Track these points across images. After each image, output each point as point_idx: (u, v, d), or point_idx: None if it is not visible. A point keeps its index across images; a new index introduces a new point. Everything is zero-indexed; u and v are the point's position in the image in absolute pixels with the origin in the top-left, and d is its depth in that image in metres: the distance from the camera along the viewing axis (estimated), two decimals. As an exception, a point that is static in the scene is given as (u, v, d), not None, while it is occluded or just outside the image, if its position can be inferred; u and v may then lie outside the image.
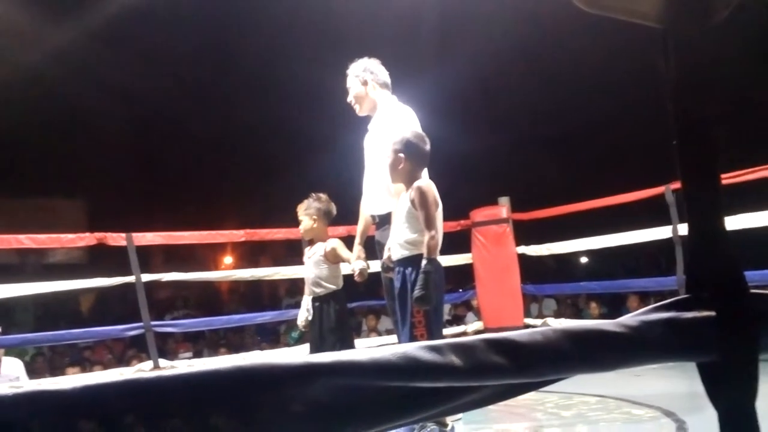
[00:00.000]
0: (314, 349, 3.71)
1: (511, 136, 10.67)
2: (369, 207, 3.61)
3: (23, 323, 10.17)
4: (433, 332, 3.05)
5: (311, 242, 3.86)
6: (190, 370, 0.71)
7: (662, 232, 5.33)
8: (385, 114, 3.55)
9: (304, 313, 3.79)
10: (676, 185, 5.15)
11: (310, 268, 3.74)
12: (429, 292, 2.94)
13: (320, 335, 3.64)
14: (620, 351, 0.85)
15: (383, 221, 3.48)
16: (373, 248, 3.60)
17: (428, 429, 3.12)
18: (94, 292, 10.71)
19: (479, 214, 6.25)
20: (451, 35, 8.08)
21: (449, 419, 3.17)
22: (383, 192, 3.45)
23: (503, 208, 6.21)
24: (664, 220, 5.34)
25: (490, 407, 3.89)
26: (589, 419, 3.46)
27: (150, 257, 8.95)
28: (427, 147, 3.21)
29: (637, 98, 9.33)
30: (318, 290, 3.68)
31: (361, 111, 3.68)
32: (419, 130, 3.45)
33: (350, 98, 3.68)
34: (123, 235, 4.75)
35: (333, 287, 3.69)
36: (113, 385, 0.68)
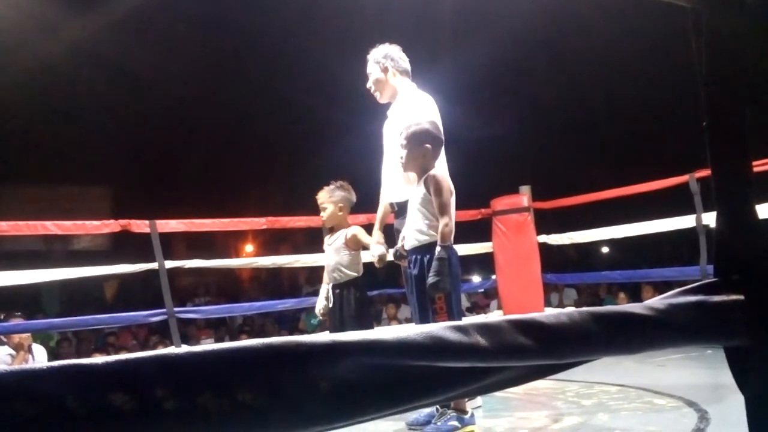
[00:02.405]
0: None
1: (532, 124, 10.59)
2: (388, 194, 3.60)
3: (49, 309, 10.37)
4: (455, 318, 3.06)
5: (332, 230, 3.86)
6: (219, 346, 0.72)
7: (686, 221, 5.26)
8: (405, 101, 3.53)
9: (322, 301, 3.80)
10: (701, 174, 5.10)
11: (330, 255, 3.74)
12: (443, 278, 2.95)
13: (341, 322, 3.65)
14: (647, 334, 0.85)
15: (402, 209, 3.47)
16: (392, 236, 3.60)
17: (448, 416, 3.13)
18: (118, 278, 10.87)
19: (500, 203, 6.21)
20: (475, 21, 8.02)
21: (469, 406, 3.17)
22: (402, 180, 3.45)
23: (524, 197, 6.17)
24: (686, 209, 5.27)
25: (510, 395, 3.89)
26: (609, 408, 3.43)
27: (172, 244, 9.06)
28: (441, 136, 3.22)
29: (661, 86, 9.22)
30: (339, 277, 3.69)
31: (381, 98, 3.66)
32: (437, 118, 3.45)
33: (370, 84, 3.66)
34: (147, 222, 4.79)
35: (354, 274, 3.69)
36: (144, 359, 0.69)
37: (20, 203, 11.31)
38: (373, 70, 3.63)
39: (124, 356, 0.69)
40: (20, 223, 4.73)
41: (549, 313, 0.83)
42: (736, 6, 0.98)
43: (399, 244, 3.28)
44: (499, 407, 3.61)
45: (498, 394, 3.67)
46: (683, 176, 5.26)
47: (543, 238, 6.17)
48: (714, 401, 3.23)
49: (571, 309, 0.85)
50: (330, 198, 3.76)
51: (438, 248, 2.97)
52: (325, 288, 3.82)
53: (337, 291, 3.69)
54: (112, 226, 4.81)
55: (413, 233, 3.14)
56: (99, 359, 0.68)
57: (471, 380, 0.81)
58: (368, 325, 3.81)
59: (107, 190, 12.43)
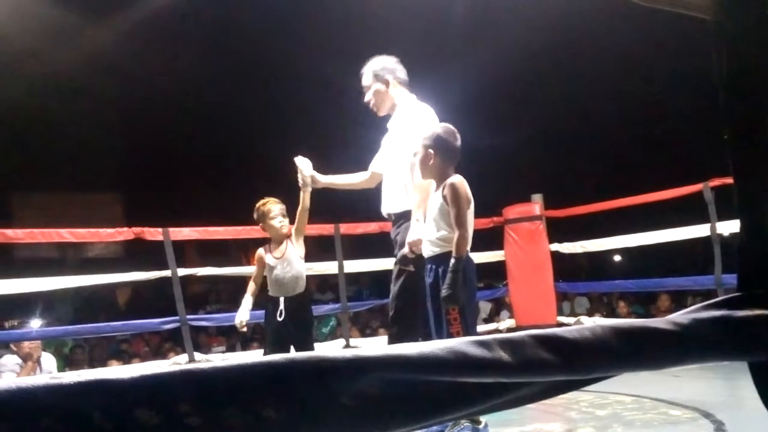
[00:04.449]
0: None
1: (545, 132, 10.56)
2: (385, 205, 3.57)
3: (63, 315, 10.43)
4: (469, 329, 3.04)
5: (277, 242, 3.76)
6: (242, 361, 0.72)
7: (700, 230, 5.22)
8: (405, 112, 3.48)
9: (246, 314, 3.74)
10: (715, 182, 5.07)
11: (286, 266, 3.67)
12: (456, 291, 2.91)
13: (299, 335, 3.66)
14: (670, 349, 0.84)
15: (398, 219, 3.46)
16: (389, 245, 3.61)
17: (461, 426, 3.11)
18: (130, 285, 10.92)
19: (512, 211, 6.20)
20: (484, 29, 8.02)
21: (483, 416, 3.15)
22: (399, 190, 3.43)
23: (536, 205, 6.15)
24: (699, 218, 5.24)
25: (525, 406, 3.87)
26: (624, 419, 3.40)
27: (185, 252, 9.10)
28: (458, 143, 3.17)
29: (675, 95, 9.17)
30: (298, 287, 3.69)
31: (380, 111, 3.60)
32: (448, 126, 3.44)
33: (368, 98, 3.59)
34: (160, 230, 4.82)
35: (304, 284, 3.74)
36: (169, 374, 0.69)
37: (34, 211, 11.42)
38: (371, 83, 3.56)
39: (149, 371, 0.70)
40: (35, 230, 4.78)
41: (571, 328, 0.82)
42: (756, 17, 0.98)
43: (406, 249, 3.25)
44: (514, 417, 3.58)
45: (511, 404, 3.64)
46: (697, 185, 5.22)
47: (555, 247, 6.14)
48: (731, 413, 3.20)
49: (593, 323, 0.84)
50: (281, 207, 3.74)
51: (452, 260, 2.93)
52: (250, 299, 3.75)
53: (292, 304, 3.65)
54: (125, 233, 4.84)
55: (429, 243, 3.13)
56: (125, 373, 0.68)
57: (493, 395, 0.81)
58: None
59: (120, 198, 12.53)
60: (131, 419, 0.65)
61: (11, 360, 5.13)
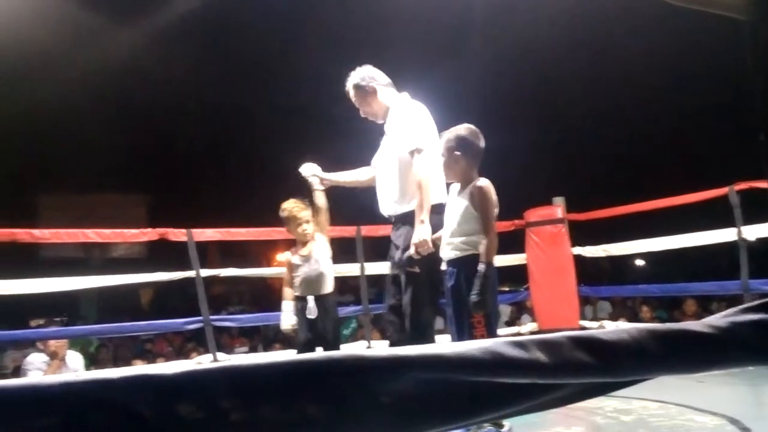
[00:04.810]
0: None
1: (567, 134, 10.49)
2: (384, 207, 3.60)
3: (88, 315, 10.58)
4: (492, 334, 3.03)
5: (303, 243, 3.83)
6: (283, 359, 0.73)
7: (726, 235, 5.15)
8: (397, 113, 3.50)
9: (292, 317, 3.77)
10: (741, 186, 5.00)
11: (311, 266, 3.75)
12: (486, 297, 2.90)
13: (326, 334, 3.70)
14: (708, 353, 0.84)
15: (397, 221, 3.48)
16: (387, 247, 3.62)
17: (485, 429, 3.09)
18: (154, 286, 11.04)
19: (534, 214, 6.17)
20: (508, 30, 7.98)
21: (506, 420, 3.14)
22: (397, 193, 3.45)
23: (558, 209, 6.12)
24: (722, 222, 5.18)
25: (548, 410, 3.84)
26: (650, 425, 3.37)
27: (207, 253, 9.17)
28: (482, 143, 3.16)
29: (701, 97, 9.07)
30: (325, 287, 3.77)
31: (378, 119, 3.63)
32: (429, 125, 3.44)
33: (363, 112, 3.65)
34: (184, 231, 4.87)
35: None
36: (211, 371, 0.70)
37: (59, 211, 11.59)
38: (359, 96, 3.60)
39: (191, 367, 0.71)
40: (61, 231, 4.86)
41: (608, 330, 0.82)
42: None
43: (407, 253, 3.24)
44: (537, 421, 3.56)
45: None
46: (723, 188, 5.16)
47: (578, 250, 6.09)
48: (758, 419, 3.16)
49: (630, 326, 0.84)
50: (307, 213, 3.76)
51: (481, 265, 2.90)
52: (289, 304, 3.78)
53: (322, 302, 3.70)
54: (150, 234, 4.90)
55: (451, 245, 3.11)
56: (168, 369, 0.69)
57: (529, 397, 0.81)
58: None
59: (143, 199, 12.67)
60: (175, 414, 0.66)
61: (38, 358, 5.21)
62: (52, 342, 5.18)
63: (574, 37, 8.26)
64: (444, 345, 0.79)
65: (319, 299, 3.70)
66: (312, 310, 3.67)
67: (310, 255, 3.75)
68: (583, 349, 0.78)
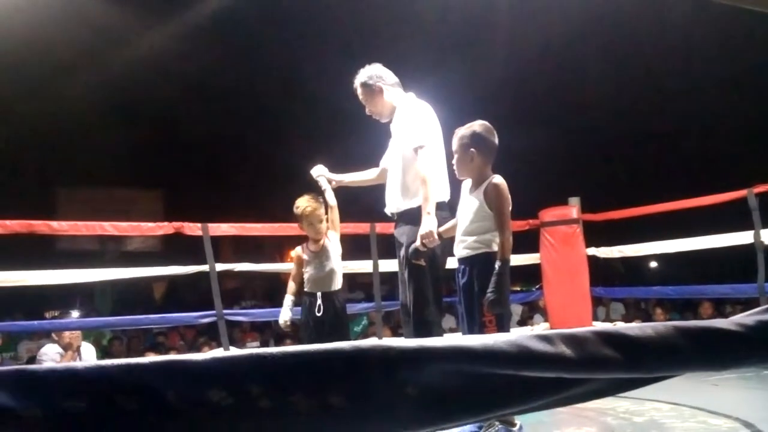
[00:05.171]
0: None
1: (583, 134, 10.43)
2: (388, 205, 3.61)
3: (102, 307, 10.68)
4: (504, 333, 3.02)
5: (315, 241, 3.83)
6: (310, 348, 0.73)
7: (743, 238, 5.11)
8: (403, 113, 3.52)
9: (288, 313, 3.80)
10: (760, 189, 4.96)
11: (322, 263, 3.76)
12: (502, 296, 2.86)
13: (332, 330, 3.71)
14: (734, 350, 0.83)
15: (401, 218, 3.50)
16: (392, 245, 3.63)
17: (495, 428, 3.09)
18: (167, 279, 11.12)
19: (548, 214, 6.14)
20: (524, 28, 7.94)
21: (517, 418, 3.13)
22: (399, 190, 3.47)
23: (573, 209, 6.08)
24: (736, 225, 5.14)
25: (558, 410, 3.82)
26: (663, 426, 3.34)
27: (220, 247, 9.20)
28: (496, 140, 3.13)
29: (718, 99, 8.99)
30: (333, 284, 3.78)
31: (383, 118, 3.66)
32: (434, 125, 3.47)
33: (368, 111, 3.67)
34: (199, 225, 4.89)
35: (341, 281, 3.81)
36: (240, 358, 0.71)
37: (76, 204, 11.70)
38: (365, 94, 3.62)
39: (221, 354, 0.71)
40: (79, 223, 4.89)
41: (634, 326, 0.82)
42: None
43: (414, 245, 3.23)
44: (547, 421, 3.55)
45: (546, 407, 3.61)
46: (741, 191, 5.11)
47: (592, 251, 6.06)
48: (773, 423, 3.12)
49: (656, 323, 0.84)
50: (320, 210, 3.77)
51: (498, 263, 2.87)
52: (291, 298, 3.81)
53: (330, 299, 3.71)
54: (166, 228, 4.92)
55: (464, 242, 3.10)
56: (198, 356, 0.70)
57: (554, 391, 0.81)
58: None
59: (159, 194, 12.76)
60: (205, 399, 0.67)
61: (52, 349, 5.27)
62: (66, 333, 5.22)
63: (591, 35, 8.21)
64: (470, 338, 0.79)
65: (328, 296, 3.72)
66: (320, 307, 3.68)
67: (321, 252, 3.76)
68: (609, 345, 0.78)
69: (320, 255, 3.76)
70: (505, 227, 2.94)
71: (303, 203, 3.79)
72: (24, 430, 0.65)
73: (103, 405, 0.66)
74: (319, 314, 3.69)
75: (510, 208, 3.05)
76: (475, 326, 3.05)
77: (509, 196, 3.03)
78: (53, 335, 5.39)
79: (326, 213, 3.79)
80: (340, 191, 3.94)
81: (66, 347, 5.22)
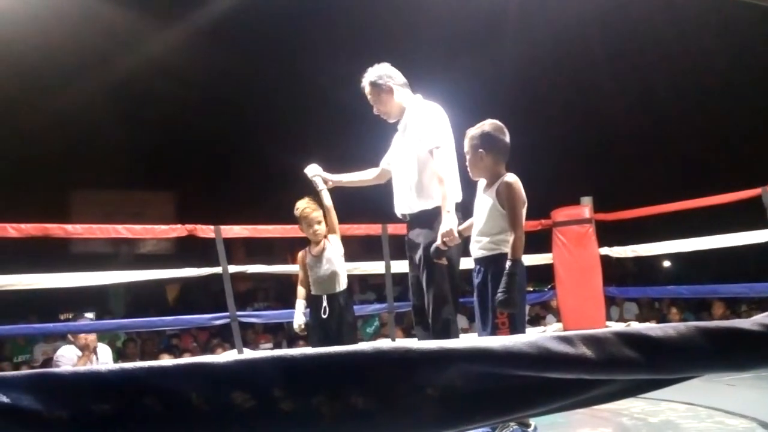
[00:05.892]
0: None
1: (595, 133, 10.39)
2: (399, 206, 3.61)
3: (116, 310, 10.76)
4: (518, 333, 3.00)
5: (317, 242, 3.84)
6: (330, 350, 0.74)
7: (759, 236, 5.06)
8: (413, 112, 3.53)
9: (301, 317, 3.80)
10: (775, 187, 4.91)
11: (324, 265, 3.75)
12: (513, 295, 2.83)
13: (339, 333, 3.71)
14: (756, 350, 0.82)
15: (414, 221, 3.50)
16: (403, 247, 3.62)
17: (510, 429, 3.08)
18: (179, 282, 11.17)
19: (560, 214, 6.11)
20: (536, 26, 7.91)
21: (532, 420, 3.12)
22: (415, 191, 3.46)
23: (586, 208, 6.05)
24: (752, 223, 5.09)
25: (574, 411, 3.81)
26: (679, 427, 3.32)
27: (232, 249, 9.24)
28: (508, 138, 3.11)
29: (733, 96, 8.92)
30: (337, 286, 3.77)
31: (391, 117, 3.66)
32: (444, 125, 3.46)
33: (376, 109, 3.66)
34: (211, 227, 4.91)
35: (346, 282, 3.79)
36: (262, 360, 0.71)
37: (90, 207, 11.79)
38: (374, 94, 3.62)
39: (243, 356, 0.72)
40: (93, 226, 4.92)
41: (655, 327, 0.82)
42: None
43: (435, 244, 3.23)
44: (563, 422, 3.54)
45: (561, 408, 3.60)
46: (755, 189, 5.07)
47: (605, 251, 6.03)
48: (791, 424, 3.09)
49: (677, 323, 0.83)
50: (318, 213, 3.77)
51: (509, 263, 2.85)
52: (302, 303, 3.81)
53: (334, 301, 3.70)
54: (179, 230, 4.94)
55: (479, 243, 3.08)
56: (221, 358, 0.71)
57: (575, 392, 0.81)
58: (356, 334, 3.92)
59: (171, 196, 12.82)
60: (228, 401, 0.68)
61: (69, 351, 5.30)
62: (82, 335, 5.25)
63: (605, 33, 8.18)
64: (490, 339, 0.79)
65: (332, 298, 3.73)
66: (325, 309, 3.70)
67: (322, 255, 3.77)
68: (630, 346, 0.78)
69: (321, 258, 3.77)
70: (517, 226, 2.91)
71: (302, 205, 3.81)
72: (50, 431, 0.65)
73: (128, 407, 0.67)
74: (324, 316, 3.70)
75: (525, 207, 3.02)
76: (487, 327, 3.04)
77: (523, 194, 3.00)
78: (69, 337, 5.42)
79: (324, 215, 3.79)
80: (353, 192, 3.94)
81: (82, 348, 5.25)
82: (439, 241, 3.20)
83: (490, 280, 2.98)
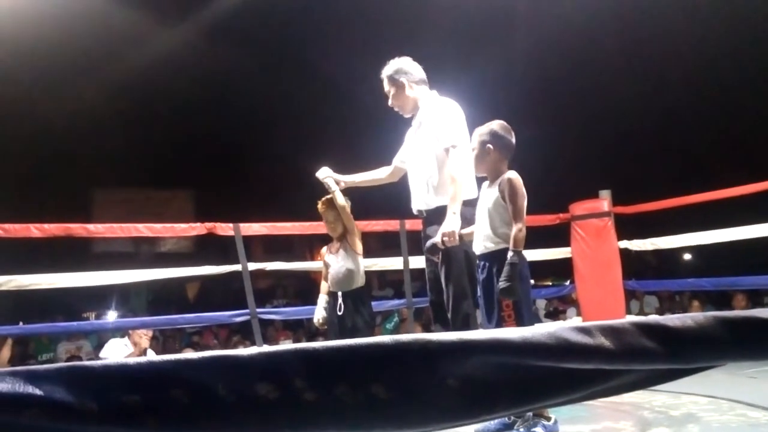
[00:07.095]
0: None
1: (614, 126, 10.30)
2: (416, 202, 3.63)
3: (137, 307, 10.88)
4: (525, 325, 3.01)
5: (338, 239, 3.90)
6: (352, 342, 0.75)
7: (778, 228, 5.00)
8: (428, 109, 3.56)
9: (321, 311, 3.88)
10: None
11: (340, 262, 3.81)
12: (514, 284, 2.90)
13: (353, 329, 3.72)
14: (777, 339, 0.83)
15: (430, 217, 3.51)
16: (420, 241, 3.63)
17: (531, 422, 3.09)
18: (200, 279, 11.27)
19: (579, 208, 6.07)
20: (553, 20, 7.86)
21: (552, 412, 3.12)
22: (432, 188, 3.49)
23: (604, 201, 6.01)
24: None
25: (594, 403, 3.79)
26: (700, 420, 3.30)
27: (251, 247, 9.30)
28: (513, 139, 3.20)
29: (752, 87, 8.81)
30: (353, 283, 3.80)
31: (405, 112, 3.70)
32: (460, 121, 3.48)
33: (391, 103, 3.70)
34: (231, 225, 4.95)
35: (363, 280, 3.81)
36: (287, 352, 0.73)
37: (111, 206, 11.94)
38: (389, 88, 3.67)
39: (267, 349, 0.74)
40: (114, 225, 4.99)
41: (674, 317, 0.82)
42: None
43: (431, 240, 3.29)
44: (584, 415, 3.53)
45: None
46: (777, 180, 5.01)
47: (624, 244, 5.99)
48: (815, 416, 3.06)
49: (696, 313, 0.83)
50: (334, 211, 3.81)
51: (510, 253, 2.92)
52: (324, 298, 3.88)
53: (350, 298, 3.74)
54: (198, 228, 4.99)
55: (483, 238, 3.12)
56: (245, 351, 0.72)
57: (594, 382, 0.82)
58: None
59: (190, 195, 12.94)
60: (252, 392, 0.69)
61: (117, 346, 5.41)
62: (138, 332, 5.38)
63: (621, 27, 8.11)
64: (509, 330, 0.80)
65: (348, 295, 3.77)
66: (340, 306, 3.75)
67: (338, 252, 3.85)
68: (649, 336, 0.79)
69: (337, 256, 3.85)
70: (519, 218, 2.99)
71: (319, 203, 3.90)
72: (80, 423, 0.67)
73: (156, 399, 0.69)
74: (340, 313, 3.75)
75: (525, 203, 3.08)
76: (492, 321, 3.07)
77: (524, 190, 3.08)
78: (130, 333, 5.54)
79: (339, 214, 3.84)
80: (371, 189, 3.98)
81: (134, 344, 5.38)
82: (438, 239, 3.25)
83: (495, 274, 3.02)
